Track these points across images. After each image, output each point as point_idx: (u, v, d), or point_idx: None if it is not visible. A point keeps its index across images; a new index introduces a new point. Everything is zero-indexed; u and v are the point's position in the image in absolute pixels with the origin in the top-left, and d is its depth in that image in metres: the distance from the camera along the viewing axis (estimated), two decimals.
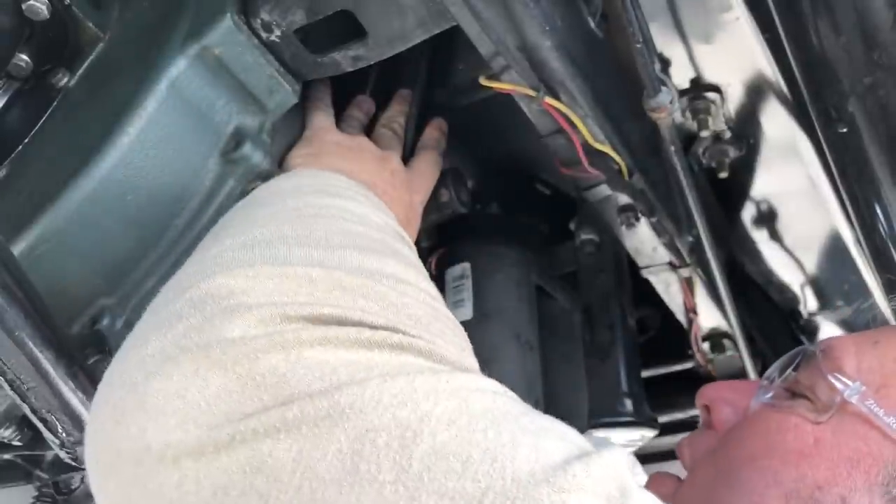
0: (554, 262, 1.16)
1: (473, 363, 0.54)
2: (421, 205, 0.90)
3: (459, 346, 0.54)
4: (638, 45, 0.71)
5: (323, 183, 0.69)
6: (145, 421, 0.40)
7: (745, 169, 0.97)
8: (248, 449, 0.38)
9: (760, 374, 1.14)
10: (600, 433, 0.99)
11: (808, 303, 1.17)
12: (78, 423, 0.68)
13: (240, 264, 0.47)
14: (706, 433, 0.74)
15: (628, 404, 0.99)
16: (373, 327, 0.45)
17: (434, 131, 0.95)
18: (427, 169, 0.91)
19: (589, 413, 1.00)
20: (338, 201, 0.62)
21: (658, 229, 0.95)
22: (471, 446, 0.40)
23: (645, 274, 1.04)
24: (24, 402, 0.65)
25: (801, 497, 0.62)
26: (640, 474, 1.23)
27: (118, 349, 0.46)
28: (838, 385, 0.65)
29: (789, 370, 0.70)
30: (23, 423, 0.78)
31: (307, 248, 0.50)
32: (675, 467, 0.78)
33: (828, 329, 1.21)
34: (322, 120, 0.86)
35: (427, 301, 0.55)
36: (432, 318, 0.53)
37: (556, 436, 0.45)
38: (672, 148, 0.83)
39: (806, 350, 0.71)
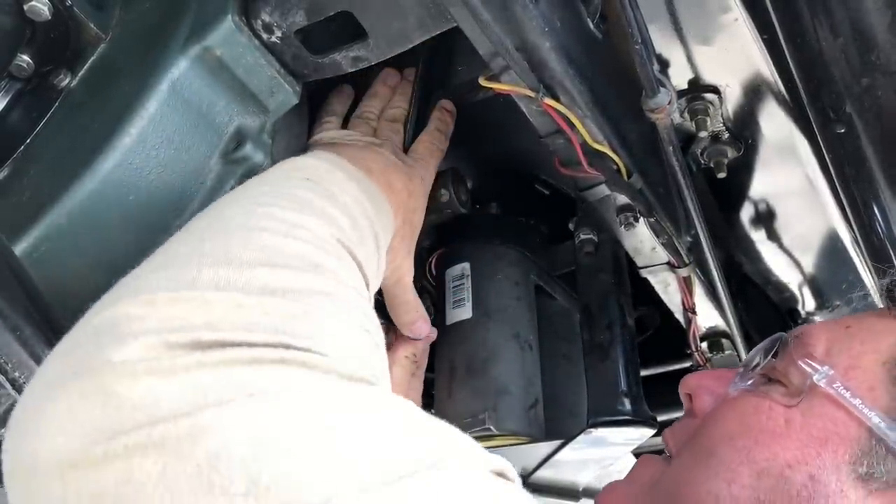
0: (553, 262, 1.16)
1: (377, 378, 0.55)
2: (424, 183, 0.89)
3: (366, 362, 0.56)
4: (637, 46, 0.71)
5: (290, 169, 0.72)
6: (39, 439, 0.45)
7: (743, 169, 0.97)
8: (121, 462, 0.42)
9: None
10: (599, 432, 0.99)
11: (807, 302, 1.18)
12: None
13: (145, 289, 0.52)
14: (688, 420, 0.77)
15: (627, 403, 0.99)
16: (253, 345, 0.48)
17: (441, 113, 0.95)
18: (427, 151, 0.91)
19: (588, 412, 1.00)
20: (278, 211, 0.63)
21: (657, 229, 0.95)
22: (318, 456, 0.44)
23: (644, 274, 1.04)
24: None
25: (771, 475, 0.65)
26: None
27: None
28: (808, 369, 0.68)
29: (768, 357, 0.73)
30: None
31: (216, 267, 0.54)
32: None
33: None
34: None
35: (340, 312, 0.57)
36: (340, 329, 0.55)
37: (424, 442, 0.48)
38: (670, 148, 0.83)
39: (782, 337, 0.74)
